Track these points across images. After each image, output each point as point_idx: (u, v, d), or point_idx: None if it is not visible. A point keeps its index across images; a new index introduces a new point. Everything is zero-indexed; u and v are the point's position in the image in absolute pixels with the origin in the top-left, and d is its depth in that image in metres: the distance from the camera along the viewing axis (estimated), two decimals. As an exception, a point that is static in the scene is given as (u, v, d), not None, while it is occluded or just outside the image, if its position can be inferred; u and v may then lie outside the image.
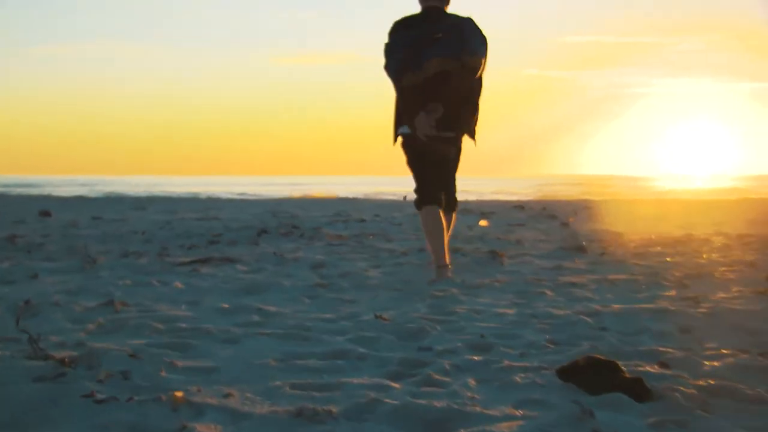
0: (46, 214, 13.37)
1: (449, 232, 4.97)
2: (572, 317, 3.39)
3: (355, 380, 2.36)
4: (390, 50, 4.66)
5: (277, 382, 2.34)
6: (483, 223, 11.33)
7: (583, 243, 7.48)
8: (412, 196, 4.94)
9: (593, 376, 2.18)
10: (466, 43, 4.52)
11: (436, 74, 4.54)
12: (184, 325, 3.22)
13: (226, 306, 3.74)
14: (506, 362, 2.60)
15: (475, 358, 2.66)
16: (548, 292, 4.21)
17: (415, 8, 4.89)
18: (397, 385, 2.32)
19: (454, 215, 5.09)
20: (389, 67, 4.63)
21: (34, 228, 10.11)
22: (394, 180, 79.35)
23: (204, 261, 5.82)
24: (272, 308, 3.70)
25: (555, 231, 9.59)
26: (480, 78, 4.76)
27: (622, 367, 2.25)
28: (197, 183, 62.74)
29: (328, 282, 4.63)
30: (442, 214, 4.82)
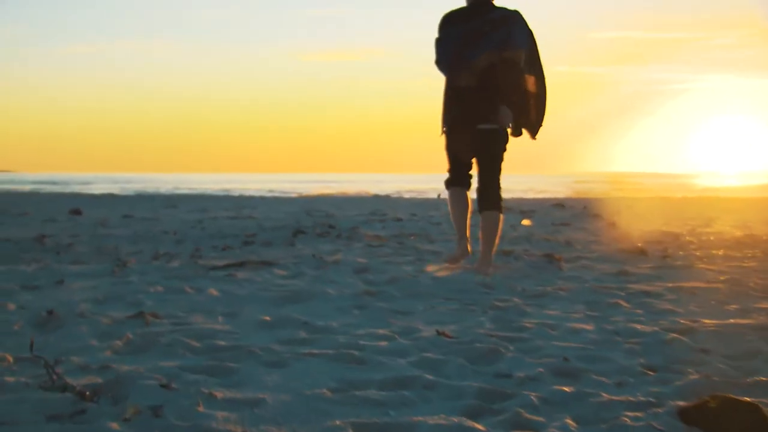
0: (76, 212, 13.16)
1: (495, 241, 5.01)
2: (661, 335, 2.97)
3: (429, 419, 1.97)
4: (441, 47, 4.77)
5: (337, 422, 1.95)
6: (526, 222, 10.90)
7: (640, 245, 7.03)
8: (446, 194, 5.28)
9: (729, 422, 1.77)
10: (511, 36, 4.63)
11: (461, 62, 4.68)
12: (222, 343, 2.85)
13: (268, 319, 3.37)
14: (604, 395, 2.18)
15: (566, 389, 2.25)
16: (623, 303, 3.78)
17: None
18: (481, 427, 1.92)
19: (499, 219, 4.98)
20: (442, 66, 4.79)
21: (65, 227, 9.86)
22: (426, 177, 78.81)
23: (240, 264, 5.46)
24: (319, 322, 3.32)
25: (604, 231, 9.11)
26: (527, 71, 4.83)
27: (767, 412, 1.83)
28: (228, 180, 62.77)
29: (376, 290, 4.24)
30: (468, 195, 5.11)
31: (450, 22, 4.77)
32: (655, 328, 3.09)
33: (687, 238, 8.05)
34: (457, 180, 5.10)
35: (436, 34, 4.82)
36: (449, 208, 5.20)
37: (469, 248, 5.17)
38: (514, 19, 4.67)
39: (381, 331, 3.10)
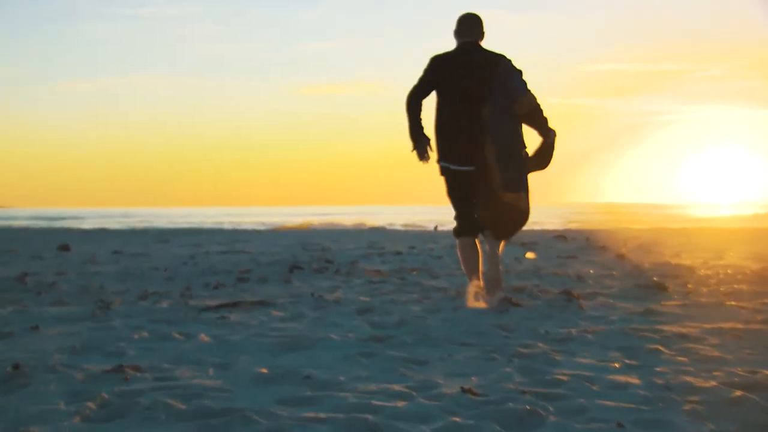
0: (65, 248, 12.73)
1: (500, 251, 4.98)
2: (724, 392, 2.56)
3: None
4: (418, 87, 4.86)
5: None
6: (530, 255, 10.50)
7: (656, 279, 6.65)
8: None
9: None
10: (508, 86, 4.76)
11: (463, 109, 4.77)
12: (211, 404, 2.43)
13: (265, 371, 2.96)
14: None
15: (630, 466, 1.85)
16: (662, 349, 3.37)
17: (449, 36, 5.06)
18: None
19: (501, 244, 5.02)
20: (410, 104, 4.86)
21: (51, 264, 9.43)
22: (420, 209, 78.45)
23: (233, 305, 5.05)
24: (323, 375, 2.91)
25: (614, 265, 8.72)
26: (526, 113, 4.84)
27: None
28: (223, 214, 62.30)
29: (383, 334, 3.83)
30: (477, 243, 5.02)
31: (437, 64, 4.86)
32: (713, 383, 2.69)
33: (703, 271, 7.66)
34: (469, 228, 5.02)
35: (426, 72, 4.88)
36: (461, 257, 5.09)
37: (481, 283, 5.03)
38: (504, 65, 4.82)
39: (396, 387, 2.69)
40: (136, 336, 3.80)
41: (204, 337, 3.75)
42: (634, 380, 2.77)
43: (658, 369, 2.98)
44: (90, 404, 2.44)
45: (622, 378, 2.81)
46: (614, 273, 7.63)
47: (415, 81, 4.89)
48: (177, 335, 3.83)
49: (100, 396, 2.52)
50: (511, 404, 2.42)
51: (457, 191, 4.95)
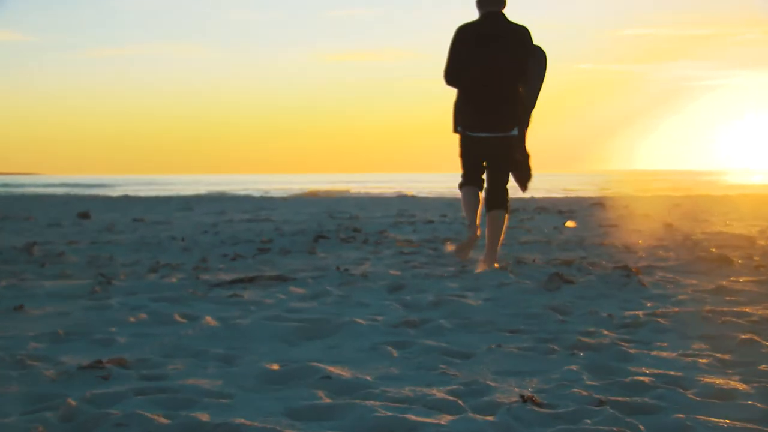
0: (84, 215, 12.33)
1: (501, 237, 5.14)
2: None
3: None
4: (452, 57, 5.02)
5: None
6: (570, 224, 9.88)
7: (714, 250, 6.03)
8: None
9: None
10: (527, 50, 5.00)
11: (481, 77, 4.95)
12: (204, 418, 1.90)
13: (276, 367, 2.43)
14: None
15: None
16: (758, 340, 2.77)
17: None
18: None
19: (504, 217, 5.12)
20: (449, 78, 5.06)
21: (66, 233, 9.01)
22: (448, 177, 77.66)
23: (249, 280, 4.53)
24: (346, 373, 2.37)
25: (662, 234, 8.08)
26: (532, 70, 5.06)
27: None
28: (251, 181, 61.95)
29: (418, 317, 3.29)
30: (480, 195, 5.18)
31: (463, 34, 5.00)
32: None
33: (763, 242, 7.01)
34: (473, 181, 5.20)
35: (454, 44, 5.03)
36: (463, 203, 5.27)
37: (478, 232, 5.21)
38: (522, 33, 5.00)
39: (436, 393, 2.13)
40: (132, 319, 3.28)
41: (210, 321, 3.23)
42: (738, 385, 2.19)
43: (762, 367, 2.39)
44: (50, 414, 1.93)
45: (721, 381, 2.23)
46: (665, 243, 7.01)
47: (445, 57, 5.08)
48: (179, 318, 3.32)
49: (67, 402, 2.00)
50: (587, 420, 1.86)
51: (470, 156, 5.17)
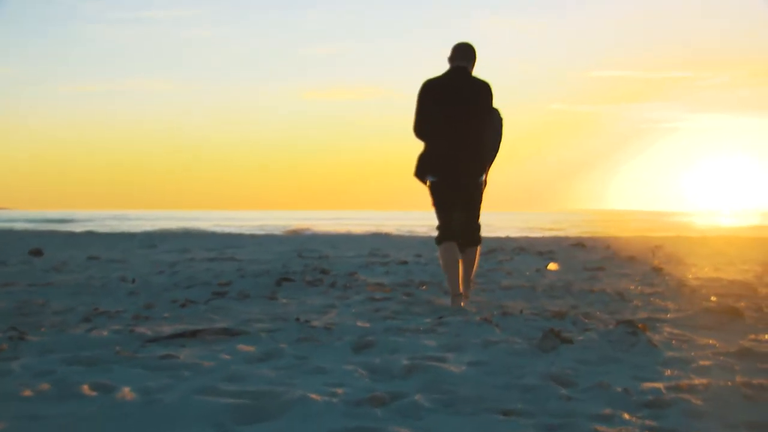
0: (36, 253, 11.58)
1: (475, 267, 5.51)
2: None
3: None
4: (419, 112, 5.23)
5: None
6: (553, 266, 9.25)
7: (713, 299, 5.46)
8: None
9: None
10: (487, 103, 5.26)
11: (448, 129, 5.19)
12: None
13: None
14: None
15: None
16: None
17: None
18: None
19: (476, 250, 5.46)
20: (419, 132, 5.27)
21: (8, 273, 8.25)
22: (422, 215, 77.21)
23: (192, 334, 3.86)
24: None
25: (653, 279, 7.52)
26: (491, 126, 5.34)
27: None
28: (224, 217, 61.02)
29: (388, 391, 2.64)
30: (456, 248, 5.34)
31: (430, 89, 5.22)
32: None
33: (763, 290, 6.46)
34: (451, 235, 5.34)
35: (421, 99, 5.22)
36: (444, 264, 5.33)
37: (460, 288, 5.27)
38: (489, 93, 5.26)
39: None
40: (27, 392, 2.60)
41: (127, 394, 2.55)
42: None
43: None
44: None
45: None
46: (660, 290, 6.43)
47: (413, 110, 5.26)
48: (88, 390, 2.63)
49: None
50: None
51: (444, 205, 5.34)
